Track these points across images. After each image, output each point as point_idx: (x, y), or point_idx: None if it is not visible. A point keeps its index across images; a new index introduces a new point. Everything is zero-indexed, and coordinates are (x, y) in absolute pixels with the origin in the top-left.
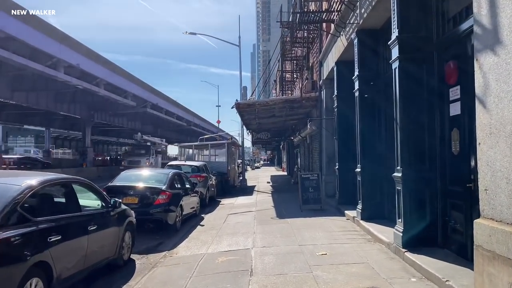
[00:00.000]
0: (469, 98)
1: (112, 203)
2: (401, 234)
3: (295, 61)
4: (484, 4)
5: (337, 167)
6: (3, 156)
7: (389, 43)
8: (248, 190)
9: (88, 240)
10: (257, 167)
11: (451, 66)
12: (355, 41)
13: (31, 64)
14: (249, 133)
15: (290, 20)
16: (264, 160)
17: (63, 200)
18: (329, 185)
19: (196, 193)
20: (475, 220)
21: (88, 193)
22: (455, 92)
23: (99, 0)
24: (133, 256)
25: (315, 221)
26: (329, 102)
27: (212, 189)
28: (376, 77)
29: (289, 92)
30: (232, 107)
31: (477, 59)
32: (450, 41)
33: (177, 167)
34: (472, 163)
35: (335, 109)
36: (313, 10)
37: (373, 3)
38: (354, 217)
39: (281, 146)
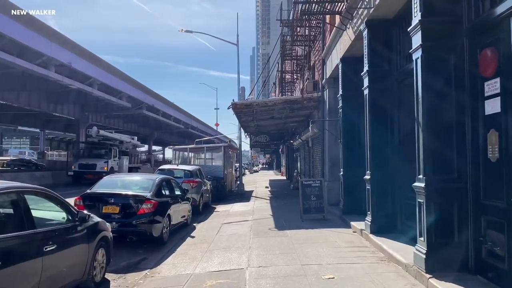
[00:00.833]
0: None
1: (79, 216)
2: (424, 256)
3: (295, 61)
4: None
5: (341, 173)
6: None
7: (409, 29)
8: (245, 196)
9: (43, 262)
10: (256, 171)
11: (488, 55)
12: (365, 32)
13: (19, 61)
14: (247, 136)
15: (291, 15)
16: (263, 164)
17: (9, 214)
18: (331, 192)
19: (187, 200)
20: None
21: (50, 204)
22: (493, 86)
23: (97, 3)
24: (108, 276)
25: (319, 234)
26: (332, 102)
27: (207, 195)
28: (388, 73)
29: (289, 93)
30: (229, 108)
31: None
32: (486, 24)
33: (169, 171)
34: None
35: (340, 110)
36: (316, 0)
37: None
38: (362, 229)
39: (280, 150)
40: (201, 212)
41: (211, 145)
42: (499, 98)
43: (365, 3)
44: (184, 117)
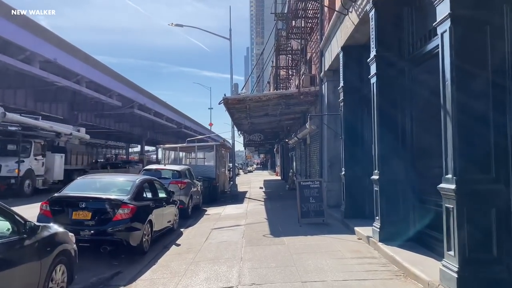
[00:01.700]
0: None
1: (28, 226)
2: (456, 276)
3: (290, 56)
4: None
5: (343, 173)
6: None
7: None
8: (238, 197)
9: None
10: (250, 171)
11: None
12: (371, 13)
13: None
14: (241, 135)
15: (286, 8)
16: (257, 163)
17: None
18: (331, 193)
19: (173, 203)
20: None
21: None
22: None
23: (91, 3)
24: None
25: (319, 242)
26: (331, 96)
27: (197, 196)
28: (399, 58)
29: (284, 90)
30: (220, 103)
31: None
32: None
33: (156, 172)
34: None
35: (341, 104)
36: None
37: None
38: (368, 236)
39: (275, 149)
40: (190, 215)
41: (202, 144)
42: None
43: None
44: (177, 117)
